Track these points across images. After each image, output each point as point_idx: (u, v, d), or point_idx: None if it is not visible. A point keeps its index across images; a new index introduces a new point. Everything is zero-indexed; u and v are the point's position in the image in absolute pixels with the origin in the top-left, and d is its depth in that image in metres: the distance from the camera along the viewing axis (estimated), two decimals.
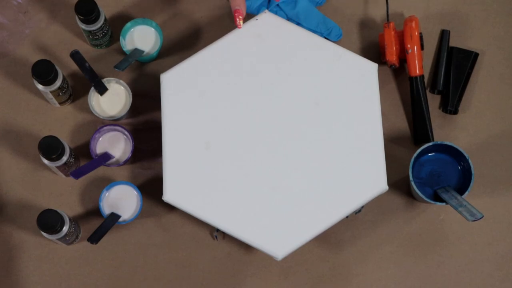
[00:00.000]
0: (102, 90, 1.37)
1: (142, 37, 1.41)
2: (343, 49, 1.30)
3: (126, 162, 1.37)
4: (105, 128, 1.36)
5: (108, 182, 1.38)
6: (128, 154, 1.37)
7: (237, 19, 1.27)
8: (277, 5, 1.41)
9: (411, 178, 1.31)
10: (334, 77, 1.29)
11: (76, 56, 1.33)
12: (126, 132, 1.36)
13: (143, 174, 1.39)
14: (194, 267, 1.36)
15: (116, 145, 1.38)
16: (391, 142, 1.41)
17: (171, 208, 1.38)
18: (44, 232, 1.25)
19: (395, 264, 1.37)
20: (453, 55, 1.42)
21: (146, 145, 1.40)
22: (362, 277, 1.37)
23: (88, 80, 1.35)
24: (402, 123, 1.42)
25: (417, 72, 1.39)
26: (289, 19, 1.41)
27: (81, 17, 1.32)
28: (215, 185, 1.25)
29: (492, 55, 1.44)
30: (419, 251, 1.37)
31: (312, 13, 1.41)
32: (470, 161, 1.32)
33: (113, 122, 1.40)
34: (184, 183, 1.25)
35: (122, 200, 1.35)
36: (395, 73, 1.43)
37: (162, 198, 1.26)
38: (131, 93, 1.38)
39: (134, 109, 1.41)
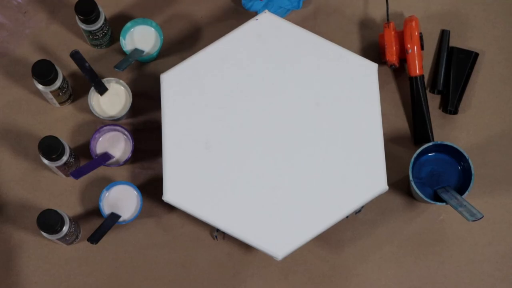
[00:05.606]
0: (102, 90, 1.37)
1: (142, 37, 1.41)
2: (343, 49, 1.30)
3: (126, 162, 1.37)
4: (105, 128, 1.36)
5: (108, 182, 1.38)
6: (128, 154, 1.37)
7: None
8: None
9: (411, 178, 1.31)
10: (334, 77, 1.29)
11: (76, 56, 1.33)
12: (126, 132, 1.36)
13: (143, 174, 1.39)
14: (194, 267, 1.36)
15: (116, 145, 1.38)
16: (391, 142, 1.41)
17: (171, 208, 1.38)
18: (44, 232, 1.25)
19: (395, 264, 1.37)
20: (453, 55, 1.42)
21: (146, 145, 1.40)
22: (362, 277, 1.37)
23: (88, 80, 1.35)
24: (402, 123, 1.42)
25: (417, 72, 1.39)
26: None
27: (81, 17, 1.32)
28: (215, 185, 1.25)
29: (492, 55, 1.44)
30: (419, 251, 1.37)
31: None
32: (470, 161, 1.32)
33: (113, 122, 1.40)
34: (184, 183, 1.25)
35: (122, 200, 1.35)
36: (395, 73, 1.43)
37: (162, 198, 1.26)
38: (131, 93, 1.38)
39: (134, 109, 1.41)
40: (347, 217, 1.36)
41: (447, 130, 1.41)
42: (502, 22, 1.45)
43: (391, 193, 1.39)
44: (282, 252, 1.24)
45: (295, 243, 1.24)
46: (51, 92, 1.33)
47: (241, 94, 1.28)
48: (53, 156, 1.27)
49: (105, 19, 1.36)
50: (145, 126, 1.41)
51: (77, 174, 1.30)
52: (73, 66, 1.42)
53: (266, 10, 1.31)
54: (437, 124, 1.41)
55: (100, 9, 1.35)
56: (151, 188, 1.38)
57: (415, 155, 1.32)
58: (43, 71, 1.29)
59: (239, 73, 1.29)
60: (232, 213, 1.24)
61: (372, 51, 1.44)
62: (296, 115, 1.28)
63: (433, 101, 1.43)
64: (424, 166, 1.36)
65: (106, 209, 1.35)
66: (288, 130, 1.27)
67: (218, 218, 1.24)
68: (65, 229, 1.27)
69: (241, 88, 1.28)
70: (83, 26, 1.35)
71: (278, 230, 1.24)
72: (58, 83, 1.32)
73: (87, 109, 1.41)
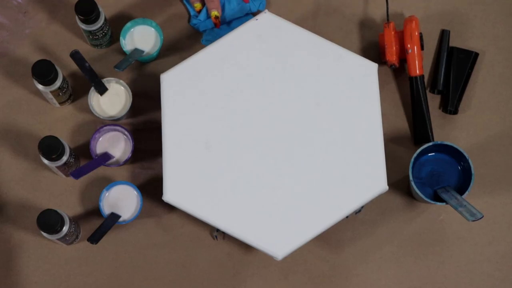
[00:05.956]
0: (102, 90, 1.37)
1: (142, 37, 1.41)
2: (343, 49, 1.30)
3: (126, 162, 1.37)
4: (105, 128, 1.36)
5: (108, 182, 1.38)
6: (128, 154, 1.37)
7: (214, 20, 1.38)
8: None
9: (411, 178, 1.31)
10: (334, 77, 1.29)
11: (76, 56, 1.33)
12: (126, 132, 1.36)
13: (143, 174, 1.39)
14: (194, 267, 1.36)
15: (116, 145, 1.38)
16: (391, 142, 1.41)
17: (171, 208, 1.38)
18: (44, 232, 1.25)
19: (395, 264, 1.37)
20: (453, 55, 1.42)
21: (146, 145, 1.40)
22: (362, 277, 1.37)
23: (88, 80, 1.35)
24: (402, 123, 1.42)
25: (417, 72, 1.39)
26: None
27: (81, 17, 1.32)
28: (215, 185, 1.25)
29: (492, 55, 1.44)
30: (419, 251, 1.37)
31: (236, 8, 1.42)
32: (470, 161, 1.32)
33: (113, 122, 1.40)
34: (184, 183, 1.25)
35: (122, 200, 1.35)
36: (395, 73, 1.43)
37: (162, 198, 1.26)
38: (131, 93, 1.38)
39: (134, 109, 1.41)
40: (347, 217, 1.36)
41: (447, 130, 1.41)
42: (502, 22, 1.45)
43: (391, 193, 1.39)
44: (282, 252, 1.24)
45: (295, 243, 1.24)
46: (51, 92, 1.33)
47: (241, 94, 1.28)
48: (53, 156, 1.27)
49: (105, 19, 1.36)
50: (145, 126, 1.41)
51: (77, 174, 1.30)
52: (73, 66, 1.42)
53: (266, 10, 1.31)
54: (437, 124, 1.41)
55: (100, 9, 1.35)
56: (151, 188, 1.38)
57: (415, 155, 1.32)
58: (43, 71, 1.29)
59: (239, 73, 1.29)
60: (232, 213, 1.24)
61: (372, 51, 1.44)
62: (296, 115, 1.28)
63: (433, 101, 1.43)
64: (424, 166, 1.36)
65: (106, 209, 1.35)
66: (288, 130, 1.27)
67: (218, 218, 1.24)
68: (65, 229, 1.27)
69: (241, 88, 1.28)
70: (83, 26, 1.35)
71: (278, 230, 1.24)
72: (58, 83, 1.32)
73: (87, 109, 1.41)
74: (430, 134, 1.39)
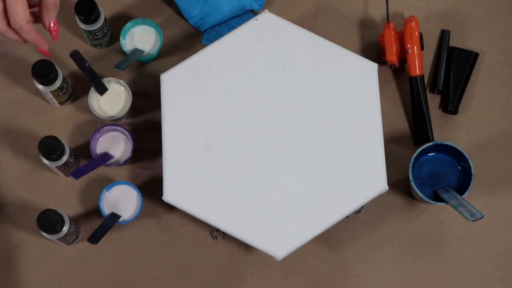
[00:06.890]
0: (102, 90, 1.37)
1: (142, 37, 1.41)
2: (343, 49, 1.30)
3: (126, 162, 1.37)
4: (105, 128, 1.36)
5: (108, 182, 1.38)
6: (128, 154, 1.37)
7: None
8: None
9: (411, 178, 1.31)
10: (334, 77, 1.29)
11: (76, 56, 1.33)
12: (126, 132, 1.36)
13: (143, 174, 1.39)
14: (194, 267, 1.36)
15: (116, 145, 1.38)
16: (391, 142, 1.41)
17: (171, 208, 1.38)
18: (44, 232, 1.25)
19: (395, 264, 1.37)
20: (453, 55, 1.42)
21: (146, 145, 1.40)
22: (362, 277, 1.37)
23: (88, 80, 1.35)
24: (402, 123, 1.42)
25: (417, 72, 1.39)
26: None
27: (81, 17, 1.32)
28: (215, 185, 1.25)
29: (492, 55, 1.44)
30: (419, 251, 1.37)
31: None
32: (470, 161, 1.32)
33: (113, 122, 1.40)
34: (184, 183, 1.25)
35: (122, 200, 1.35)
36: (395, 73, 1.43)
37: (162, 198, 1.26)
38: (131, 93, 1.38)
39: (134, 109, 1.41)
40: (347, 217, 1.36)
41: (447, 130, 1.41)
42: (502, 22, 1.45)
43: (391, 193, 1.39)
44: (282, 252, 1.24)
45: (295, 243, 1.24)
46: (51, 92, 1.33)
47: (241, 94, 1.28)
48: (53, 156, 1.27)
49: (105, 19, 1.36)
50: (145, 126, 1.41)
51: (77, 174, 1.30)
52: (73, 66, 1.42)
53: (266, 10, 1.31)
54: (437, 124, 1.41)
55: (100, 9, 1.35)
56: (151, 188, 1.38)
57: (415, 155, 1.32)
58: (43, 71, 1.29)
59: (239, 73, 1.29)
60: (232, 213, 1.24)
61: (372, 51, 1.44)
62: (296, 115, 1.28)
63: (433, 101, 1.43)
64: (424, 166, 1.36)
65: (106, 209, 1.35)
66: (288, 130, 1.27)
67: (218, 218, 1.24)
68: (65, 229, 1.27)
69: (241, 88, 1.28)
70: (83, 26, 1.35)
71: (278, 230, 1.24)
72: (58, 83, 1.32)
73: (87, 109, 1.41)
74: (430, 134, 1.39)
